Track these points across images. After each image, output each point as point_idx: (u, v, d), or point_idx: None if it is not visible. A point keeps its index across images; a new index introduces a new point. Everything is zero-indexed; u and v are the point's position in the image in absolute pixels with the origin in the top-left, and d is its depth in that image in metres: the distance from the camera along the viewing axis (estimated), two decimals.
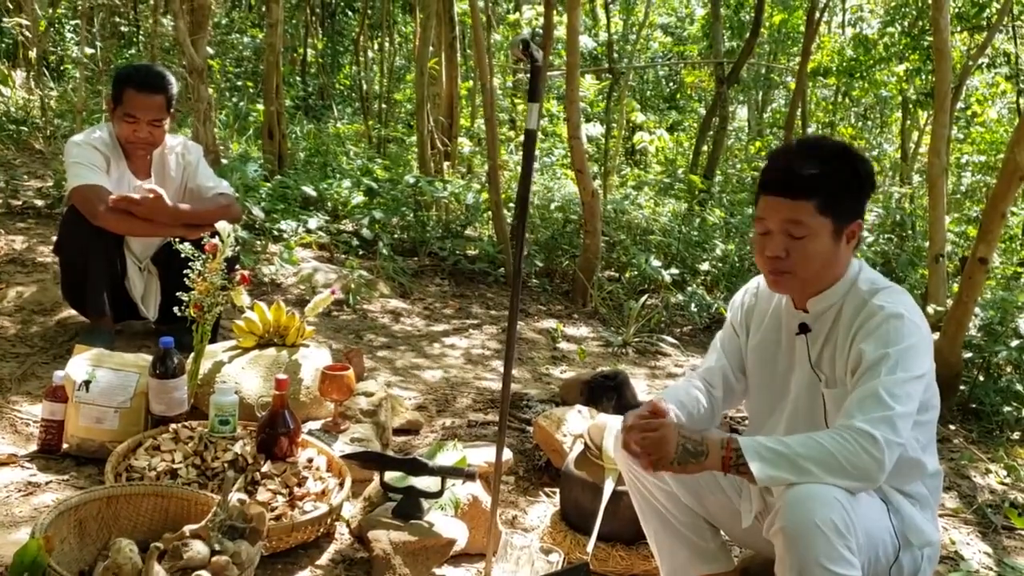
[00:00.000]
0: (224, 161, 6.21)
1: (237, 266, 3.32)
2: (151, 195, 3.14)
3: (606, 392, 3.36)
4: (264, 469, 2.42)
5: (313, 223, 5.78)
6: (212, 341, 3.25)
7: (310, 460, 2.53)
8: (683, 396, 2.12)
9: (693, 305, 6.12)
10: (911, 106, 11.60)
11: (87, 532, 1.94)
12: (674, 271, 6.51)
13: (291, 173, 6.78)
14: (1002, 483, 3.61)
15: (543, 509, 2.82)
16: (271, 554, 2.18)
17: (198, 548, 1.79)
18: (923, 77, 10.51)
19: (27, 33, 7.98)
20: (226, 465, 2.41)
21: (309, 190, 6.27)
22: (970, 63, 8.19)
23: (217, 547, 1.81)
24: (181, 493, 2.08)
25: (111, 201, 3.13)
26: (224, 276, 2.85)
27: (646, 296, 5.97)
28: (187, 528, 1.90)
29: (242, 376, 2.87)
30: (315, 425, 2.85)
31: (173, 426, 2.53)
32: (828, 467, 1.72)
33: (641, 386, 4.13)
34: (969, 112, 11.91)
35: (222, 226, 2.90)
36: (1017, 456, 3.96)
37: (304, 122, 11.01)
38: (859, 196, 1.96)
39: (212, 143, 5.95)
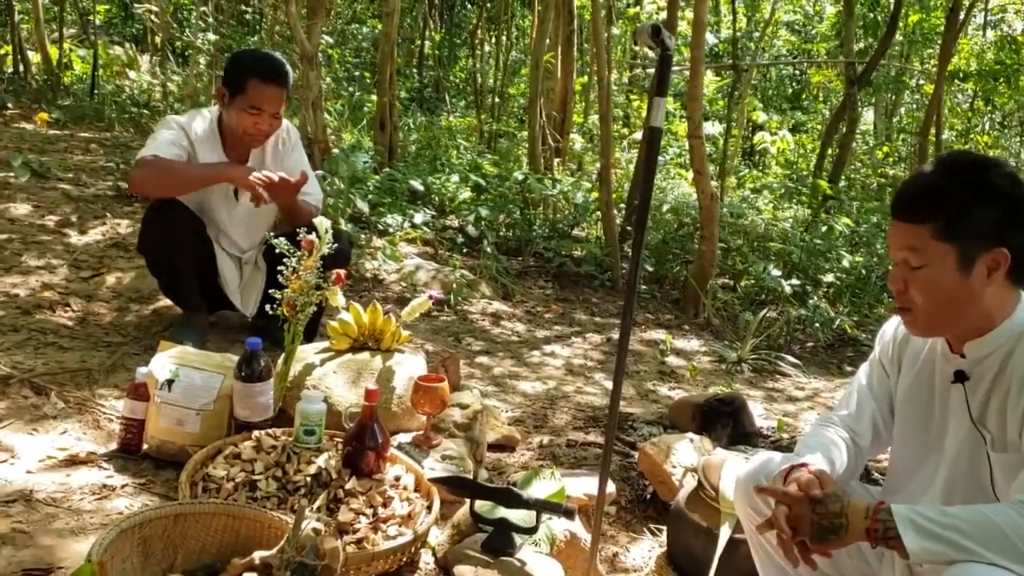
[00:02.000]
0: (335, 151, 6.14)
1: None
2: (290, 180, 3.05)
3: (721, 418, 3.08)
4: (348, 486, 2.24)
5: (419, 218, 5.64)
6: (311, 340, 3.12)
7: (397, 478, 2.34)
8: (829, 450, 1.83)
9: (816, 320, 5.69)
10: None
11: (151, 552, 1.78)
12: (794, 282, 6.09)
13: (400, 166, 6.67)
14: None
15: (647, 547, 2.56)
16: None
17: None
18: None
19: (155, 19, 8.14)
20: (309, 480, 2.24)
21: (417, 184, 6.12)
22: None
23: None
24: (253, 514, 1.91)
25: (253, 178, 2.98)
26: (319, 275, 2.69)
27: (766, 309, 5.59)
28: (256, 555, 1.73)
29: (332, 381, 2.72)
30: (405, 438, 2.66)
31: (256, 433, 2.38)
32: (999, 548, 1.41)
33: (758, 410, 3.80)
34: None
35: (320, 222, 2.75)
36: None
37: (417, 114, 10.96)
38: (1001, 217, 1.58)
39: (321, 132, 5.88)
